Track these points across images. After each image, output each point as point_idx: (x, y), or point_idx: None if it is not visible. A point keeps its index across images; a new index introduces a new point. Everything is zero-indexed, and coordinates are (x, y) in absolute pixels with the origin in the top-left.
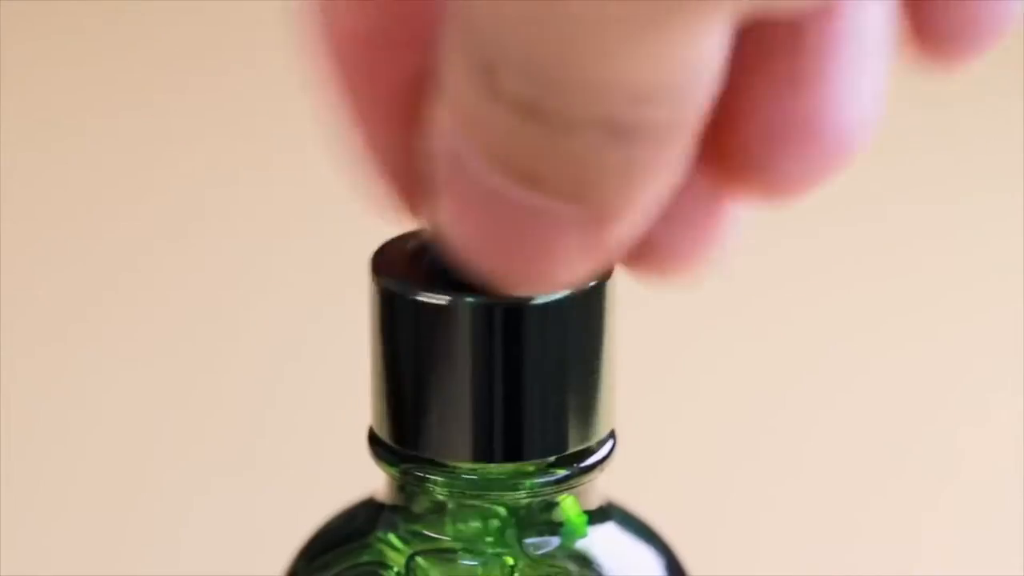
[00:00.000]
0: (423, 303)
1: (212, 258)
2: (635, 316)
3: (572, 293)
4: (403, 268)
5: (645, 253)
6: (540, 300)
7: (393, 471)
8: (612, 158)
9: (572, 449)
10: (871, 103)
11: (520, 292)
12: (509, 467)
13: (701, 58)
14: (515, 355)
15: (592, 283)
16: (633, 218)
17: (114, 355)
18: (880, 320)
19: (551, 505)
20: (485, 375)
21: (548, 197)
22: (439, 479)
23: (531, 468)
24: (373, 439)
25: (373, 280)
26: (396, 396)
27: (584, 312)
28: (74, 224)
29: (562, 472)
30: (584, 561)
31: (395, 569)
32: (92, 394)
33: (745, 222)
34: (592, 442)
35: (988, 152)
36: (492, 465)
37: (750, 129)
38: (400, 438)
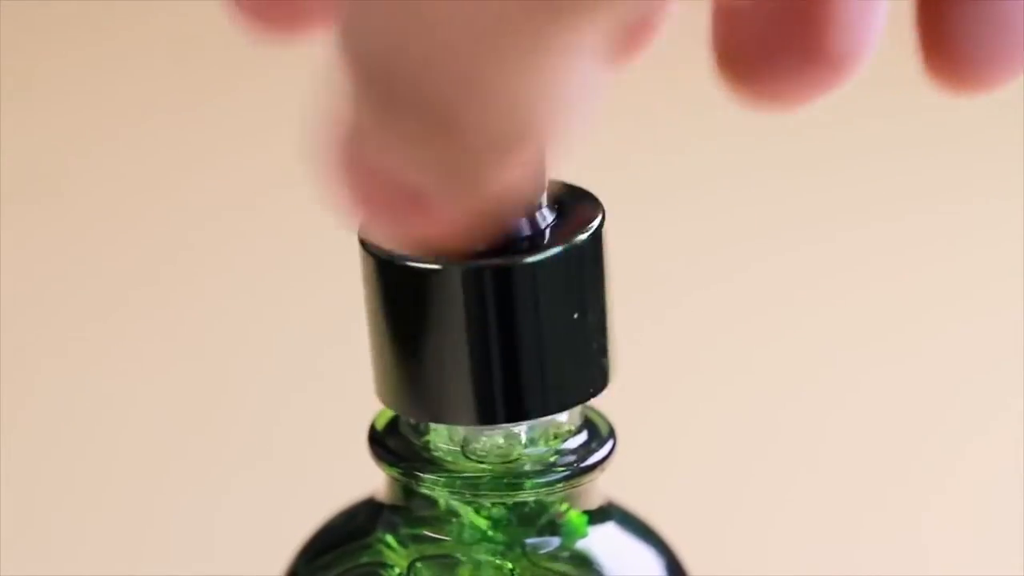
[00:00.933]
0: (412, 268)
1: (215, 259)
2: (642, 316)
3: (560, 251)
4: None
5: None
6: (528, 260)
7: (393, 471)
8: (446, 149)
9: (573, 403)
10: (870, 32)
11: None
12: (509, 467)
13: (571, 79)
14: (506, 314)
15: (580, 240)
16: (465, 202)
17: (115, 354)
18: (885, 324)
19: (551, 505)
20: (477, 336)
21: (391, 170)
22: (439, 479)
23: (532, 468)
24: (373, 439)
25: (362, 247)
26: (392, 362)
27: (575, 268)
28: (84, 224)
29: (562, 471)
30: (584, 561)
31: (396, 570)
32: (92, 394)
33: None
34: (594, 394)
35: (990, 157)
36: (491, 456)
37: (753, 37)
38: (401, 405)
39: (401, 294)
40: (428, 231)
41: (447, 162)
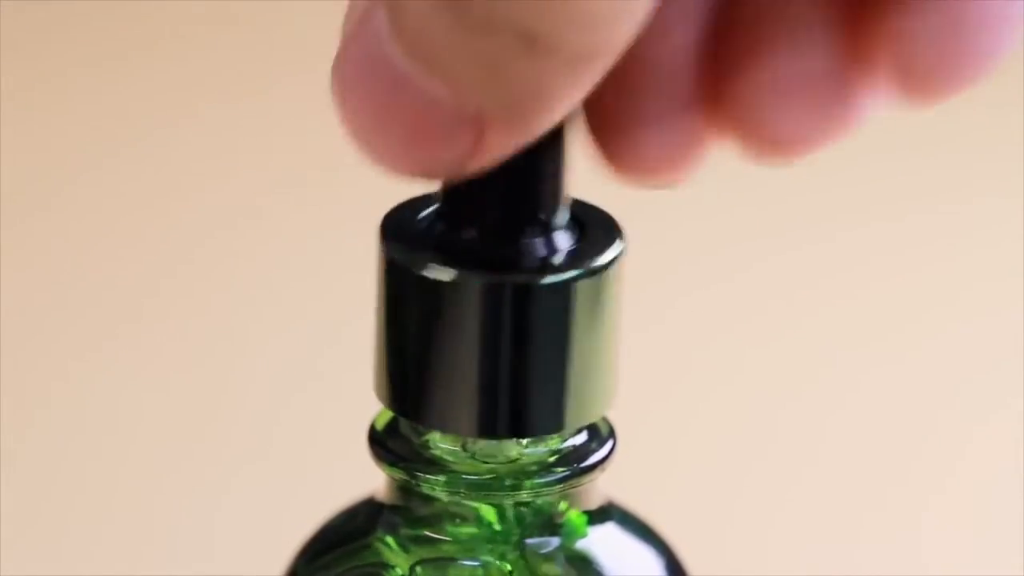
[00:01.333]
0: (430, 279)
1: (216, 259)
2: (642, 316)
3: (579, 273)
4: (411, 235)
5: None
6: (547, 280)
7: (393, 471)
8: (519, 67)
9: (572, 427)
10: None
11: (390, 171)
12: (509, 467)
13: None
14: (519, 332)
15: (601, 263)
16: (523, 128)
17: (115, 355)
18: (884, 323)
19: (552, 505)
20: (488, 350)
21: (445, 87)
22: (439, 479)
23: (532, 468)
24: (373, 439)
25: (381, 247)
26: (398, 365)
27: (591, 293)
28: (84, 225)
29: (562, 472)
30: (584, 562)
31: (397, 571)
32: (93, 394)
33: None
34: (592, 420)
35: (990, 157)
36: (492, 457)
37: (753, 80)
38: (402, 407)
39: (415, 300)
40: (458, 155)
41: (518, 81)
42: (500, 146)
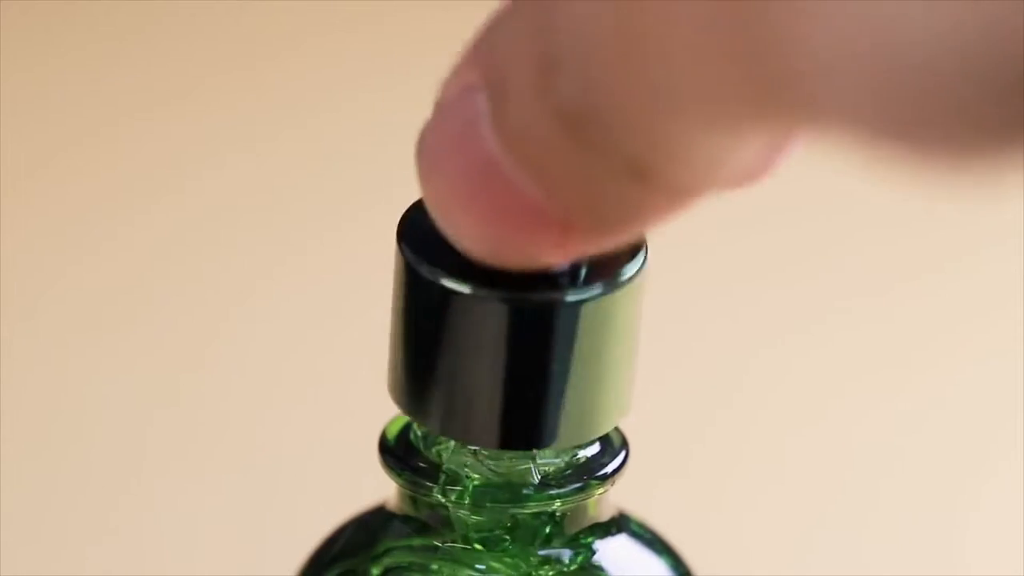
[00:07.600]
0: (449, 289)
1: (218, 258)
2: (662, 324)
3: (603, 292)
4: (430, 240)
5: None
6: (570, 297)
7: (403, 481)
8: (620, 189)
9: (595, 435)
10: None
11: (464, 246)
12: (521, 476)
13: (735, 154)
14: (539, 349)
15: (623, 277)
16: (607, 239)
17: (120, 357)
18: (887, 328)
19: (564, 516)
20: (507, 365)
21: (537, 185)
22: (450, 489)
23: (543, 479)
24: (384, 448)
25: (399, 250)
26: (413, 369)
27: (612, 308)
28: (85, 224)
29: (575, 483)
30: (596, 574)
31: None
32: (96, 397)
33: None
34: (613, 424)
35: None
36: (504, 468)
37: None
38: (414, 410)
39: (432, 309)
40: (536, 249)
41: (617, 201)
42: (580, 248)
